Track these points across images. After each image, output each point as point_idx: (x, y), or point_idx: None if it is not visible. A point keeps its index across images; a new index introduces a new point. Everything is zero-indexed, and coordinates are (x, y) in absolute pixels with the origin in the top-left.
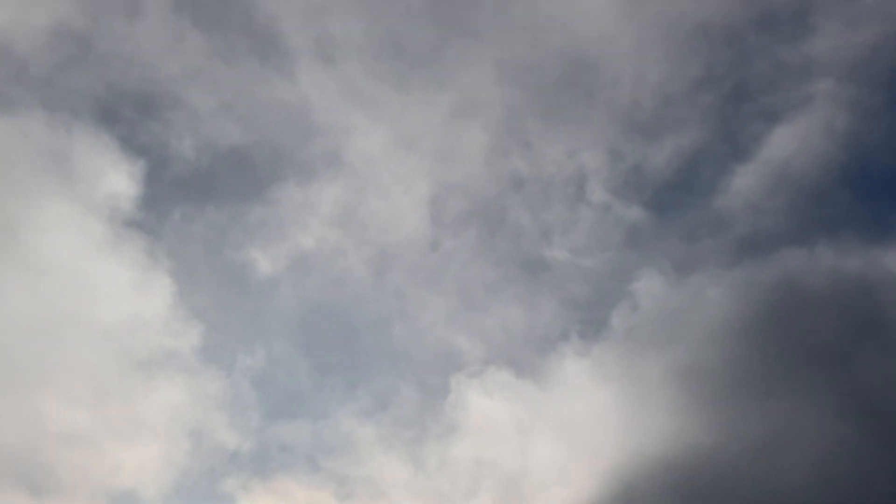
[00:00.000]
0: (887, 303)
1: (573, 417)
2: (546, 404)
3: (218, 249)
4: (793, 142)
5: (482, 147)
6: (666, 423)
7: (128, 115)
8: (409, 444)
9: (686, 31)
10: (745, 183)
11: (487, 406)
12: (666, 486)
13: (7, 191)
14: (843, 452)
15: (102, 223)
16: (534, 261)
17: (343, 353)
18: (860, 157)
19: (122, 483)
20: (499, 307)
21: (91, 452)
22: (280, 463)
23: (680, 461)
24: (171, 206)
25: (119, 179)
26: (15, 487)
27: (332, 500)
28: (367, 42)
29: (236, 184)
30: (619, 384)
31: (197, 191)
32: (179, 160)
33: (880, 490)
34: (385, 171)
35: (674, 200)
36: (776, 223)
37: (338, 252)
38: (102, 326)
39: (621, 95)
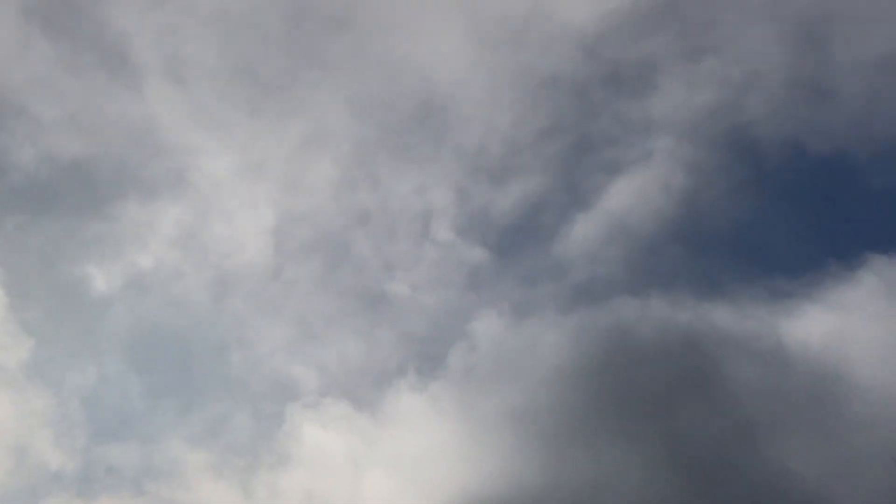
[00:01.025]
0: (713, 356)
1: (407, 453)
2: (381, 438)
3: (53, 263)
4: (631, 195)
5: (330, 179)
6: (499, 462)
7: None
8: (240, 472)
9: (535, 83)
10: (584, 231)
11: (322, 437)
12: None
13: None
14: (668, 499)
15: None
16: (375, 294)
17: (177, 377)
18: (694, 214)
19: None
20: (338, 339)
21: None
22: (105, 485)
23: (513, 502)
24: (6, 216)
25: None
26: None
27: None
28: (220, 65)
29: (76, 197)
30: (455, 422)
31: (35, 202)
32: (18, 170)
33: None
34: (231, 196)
35: (516, 244)
36: (612, 272)
37: (177, 273)
38: None
39: (470, 139)
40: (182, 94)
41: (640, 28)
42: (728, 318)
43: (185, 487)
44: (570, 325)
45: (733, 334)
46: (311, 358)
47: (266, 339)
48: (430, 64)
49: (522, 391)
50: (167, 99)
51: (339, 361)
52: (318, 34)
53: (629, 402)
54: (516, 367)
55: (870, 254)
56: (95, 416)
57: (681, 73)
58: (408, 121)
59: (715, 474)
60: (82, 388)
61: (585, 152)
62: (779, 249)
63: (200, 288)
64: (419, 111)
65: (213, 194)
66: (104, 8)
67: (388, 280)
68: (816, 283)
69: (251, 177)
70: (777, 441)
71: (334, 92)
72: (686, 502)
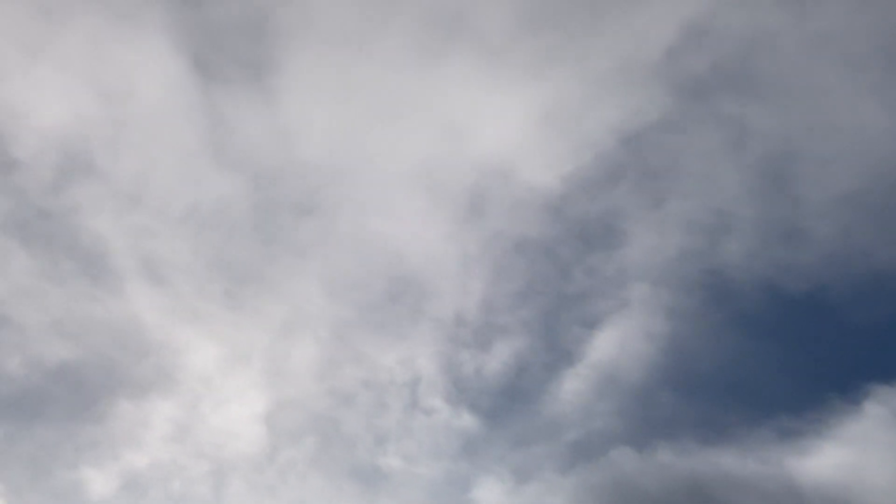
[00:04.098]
0: (722, 501)
1: None
2: None
3: (48, 469)
4: (615, 345)
5: (314, 360)
6: None
7: None
8: None
9: (506, 248)
10: (573, 387)
11: None
12: None
13: None
14: None
15: None
16: (369, 470)
17: None
18: (680, 359)
19: None
20: None
21: None
22: None
23: None
24: None
25: None
26: None
27: None
28: (193, 261)
29: (67, 402)
30: None
31: (26, 409)
32: (6, 379)
33: None
34: (219, 387)
35: (506, 407)
36: (606, 425)
37: (175, 469)
38: None
39: (448, 308)
40: (162, 292)
41: (602, 182)
42: (734, 460)
43: None
44: (570, 484)
45: (742, 476)
46: None
47: None
48: (399, 241)
49: None
50: (148, 298)
51: None
52: (287, 221)
53: None
54: None
55: (871, 385)
56: None
57: (649, 221)
58: (384, 297)
59: None
60: None
61: (563, 309)
62: (775, 389)
63: (199, 481)
64: (394, 287)
65: (202, 387)
66: (78, 215)
67: (381, 454)
68: (822, 419)
69: (237, 367)
70: None
71: (308, 276)
72: None
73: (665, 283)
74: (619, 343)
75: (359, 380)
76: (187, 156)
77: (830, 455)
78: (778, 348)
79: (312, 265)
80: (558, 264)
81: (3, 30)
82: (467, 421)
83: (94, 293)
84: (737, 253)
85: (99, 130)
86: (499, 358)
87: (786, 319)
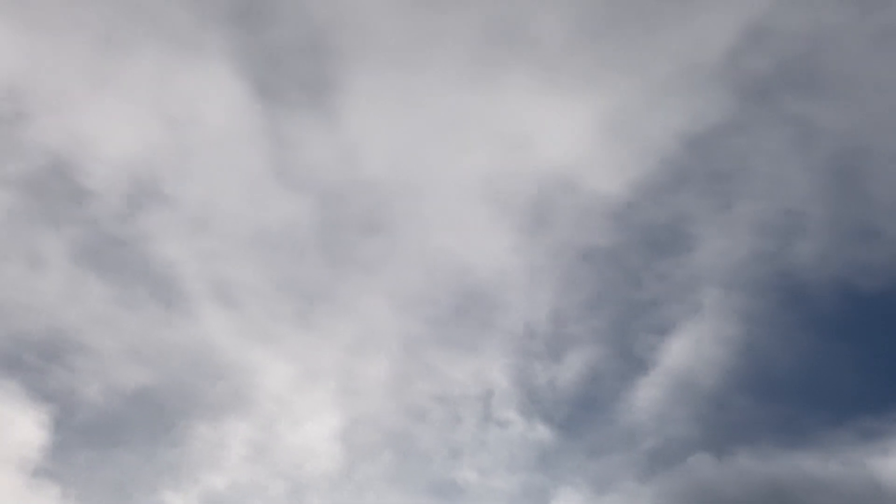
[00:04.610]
0: None
1: None
2: None
3: (129, 494)
4: (688, 351)
5: (386, 376)
6: None
7: (33, 362)
8: None
9: (573, 258)
10: (647, 395)
11: None
12: None
13: None
14: None
15: (10, 475)
16: (445, 483)
17: None
18: (756, 362)
19: None
20: None
21: None
22: None
23: None
24: (81, 452)
25: (27, 428)
26: None
27: None
28: (263, 283)
29: (146, 426)
30: None
31: (106, 435)
32: (87, 405)
33: None
34: (294, 406)
35: (580, 417)
36: (683, 432)
37: (253, 488)
38: None
39: (517, 320)
40: (233, 314)
41: (668, 186)
42: (815, 463)
43: None
44: (650, 492)
45: (824, 479)
46: None
47: None
48: (465, 255)
49: None
50: (220, 321)
51: None
52: (353, 239)
53: None
54: None
55: None
56: None
57: (718, 224)
58: (452, 311)
59: None
60: None
61: (634, 316)
62: (854, 389)
63: (278, 500)
64: (462, 301)
65: (277, 407)
66: (149, 242)
67: (457, 468)
68: None
69: (311, 385)
70: None
71: (377, 293)
72: None
73: (737, 286)
74: (692, 348)
75: (431, 394)
76: (253, 179)
77: None
78: (855, 348)
79: (380, 282)
80: (627, 272)
81: (70, 63)
82: (542, 432)
83: (167, 318)
84: (809, 254)
85: (166, 157)
86: (571, 368)
87: (862, 319)
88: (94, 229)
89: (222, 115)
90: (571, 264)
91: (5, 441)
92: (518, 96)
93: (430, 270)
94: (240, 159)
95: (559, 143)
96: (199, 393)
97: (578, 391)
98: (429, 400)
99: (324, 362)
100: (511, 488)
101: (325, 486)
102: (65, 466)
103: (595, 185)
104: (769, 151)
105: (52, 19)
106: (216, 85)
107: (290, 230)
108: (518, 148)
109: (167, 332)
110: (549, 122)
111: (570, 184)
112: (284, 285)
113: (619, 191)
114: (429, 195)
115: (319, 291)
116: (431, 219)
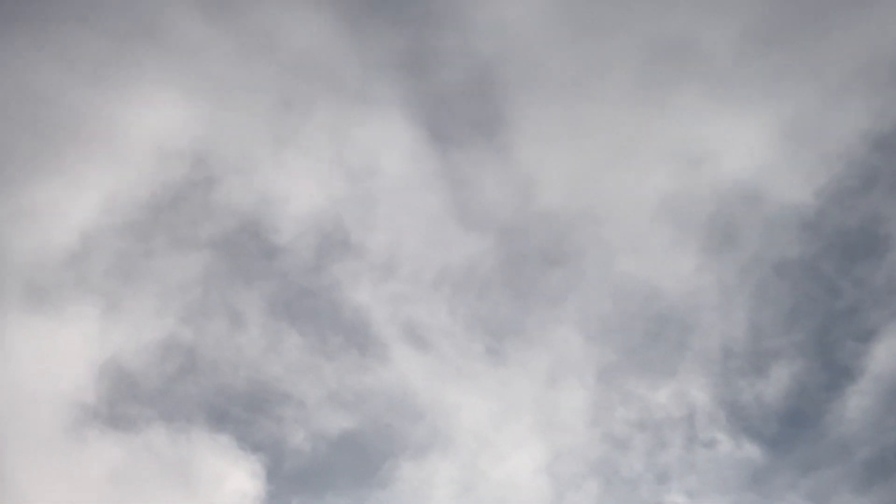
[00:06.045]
0: None
1: None
2: None
3: None
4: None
5: (586, 406)
6: None
7: (240, 415)
8: None
9: (765, 271)
10: (858, 404)
11: None
12: None
13: None
14: None
15: None
16: None
17: None
18: None
19: None
20: None
21: None
22: None
23: None
24: (294, 498)
25: (241, 478)
26: None
27: None
28: (451, 322)
29: (352, 469)
30: None
31: (315, 480)
32: (295, 453)
33: None
34: (495, 442)
35: (787, 434)
36: None
37: None
38: None
39: (713, 339)
40: (426, 355)
41: (858, 189)
42: None
43: None
44: (870, 503)
45: None
46: None
47: None
48: (652, 278)
49: None
50: (413, 363)
51: None
52: (536, 272)
53: None
54: None
55: None
56: None
57: None
58: (644, 336)
59: None
60: None
61: (835, 325)
62: None
63: None
64: (653, 324)
65: (478, 444)
66: (339, 290)
67: (665, 492)
68: None
69: (509, 420)
70: None
71: (565, 323)
72: None
73: None
74: None
75: (631, 420)
76: (433, 221)
77: None
78: None
79: (568, 312)
80: (823, 280)
81: (252, 125)
82: (750, 450)
83: (363, 363)
84: None
85: (349, 208)
86: (774, 383)
87: None
88: (285, 283)
89: (398, 162)
90: (764, 278)
91: (225, 493)
92: (691, 112)
93: (618, 296)
94: (419, 203)
95: (738, 156)
96: (401, 434)
97: (784, 406)
98: (630, 426)
99: (520, 396)
100: None
101: None
102: None
103: (780, 196)
104: None
105: (230, 87)
106: (390, 133)
107: (473, 268)
108: (696, 164)
109: (364, 376)
110: (725, 135)
111: (754, 196)
112: (472, 323)
113: (806, 199)
114: (608, 221)
115: (508, 326)
116: (613, 244)
